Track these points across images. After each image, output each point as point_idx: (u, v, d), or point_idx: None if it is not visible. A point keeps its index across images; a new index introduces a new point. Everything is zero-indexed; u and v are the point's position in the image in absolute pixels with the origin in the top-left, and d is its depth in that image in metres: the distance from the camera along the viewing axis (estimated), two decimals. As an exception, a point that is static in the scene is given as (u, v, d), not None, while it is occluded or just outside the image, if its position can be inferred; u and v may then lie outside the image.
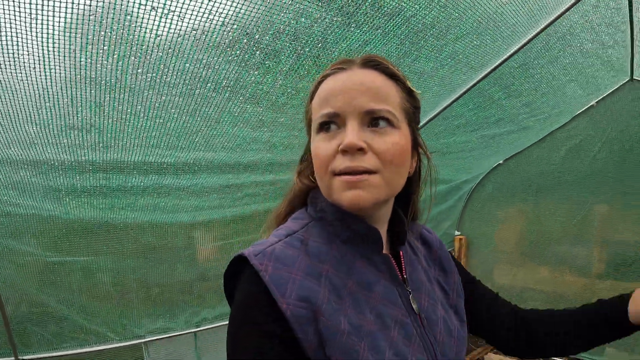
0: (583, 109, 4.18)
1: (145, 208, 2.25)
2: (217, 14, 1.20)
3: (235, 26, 1.25)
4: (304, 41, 1.41)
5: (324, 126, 0.82)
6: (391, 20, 1.54)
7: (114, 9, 1.05)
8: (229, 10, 1.21)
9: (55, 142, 1.55)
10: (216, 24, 1.23)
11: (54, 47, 1.12)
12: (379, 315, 0.83)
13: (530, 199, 4.74)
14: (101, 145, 1.63)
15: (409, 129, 0.88)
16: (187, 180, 2.10)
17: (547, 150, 4.54)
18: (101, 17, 1.06)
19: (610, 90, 4.05)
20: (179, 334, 3.05)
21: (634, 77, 3.89)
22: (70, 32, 1.08)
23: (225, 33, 1.27)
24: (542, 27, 2.34)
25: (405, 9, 1.52)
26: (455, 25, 1.81)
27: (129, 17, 1.11)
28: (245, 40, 1.30)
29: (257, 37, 1.30)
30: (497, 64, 2.47)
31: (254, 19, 1.25)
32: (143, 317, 2.85)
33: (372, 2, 1.40)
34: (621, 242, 4.29)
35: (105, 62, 1.19)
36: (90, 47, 1.13)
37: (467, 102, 2.73)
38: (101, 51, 1.15)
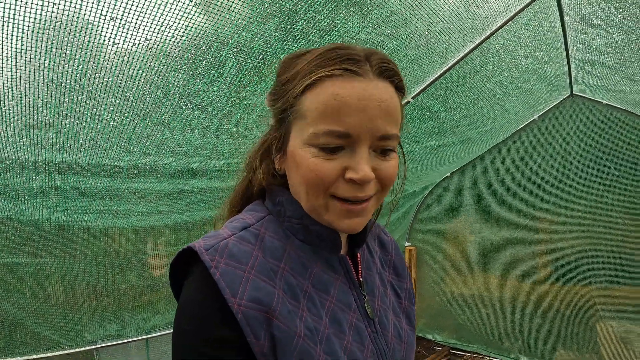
0: (526, 123, 4.46)
1: (97, 211, 2.34)
2: (168, 26, 1.38)
3: (184, 38, 1.43)
4: (245, 53, 1.60)
5: (329, 145, 0.75)
6: (326, 36, 1.75)
7: (78, 17, 1.22)
8: (179, 23, 1.40)
9: (15, 141, 1.67)
10: (167, 35, 1.41)
11: (21, 49, 1.27)
12: (335, 319, 0.82)
13: (477, 210, 4.95)
14: (58, 145, 1.76)
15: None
16: (138, 184, 2.22)
17: (492, 162, 4.77)
18: (66, 24, 1.22)
19: (552, 105, 4.33)
20: (131, 341, 3.07)
21: (574, 92, 4.17)
22: (37, 37, 1.24)
23: (174, 44, 1.45)
24: (474, 45, 2.53)
25: (339, 26, 1.73)
26: (388, 42, 2.02)
27: (90, 26, 1.28)
28: (192, 51, 1.48)
29: (203, 48, 1.49)
30: (432, 78, 2.65)
31: (201, 32, 1.43)
32: (94, 323, 2.87)
33: (307, 19, 1.60)
34: (564, 249, 4.52)
35: (67, 65, 1.35)
36: (54, 50, 1.29)
37: (406, 114, 2.91)
38: (64, 55, 1.31)
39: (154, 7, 1.29)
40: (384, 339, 0.89)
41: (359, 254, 0.95)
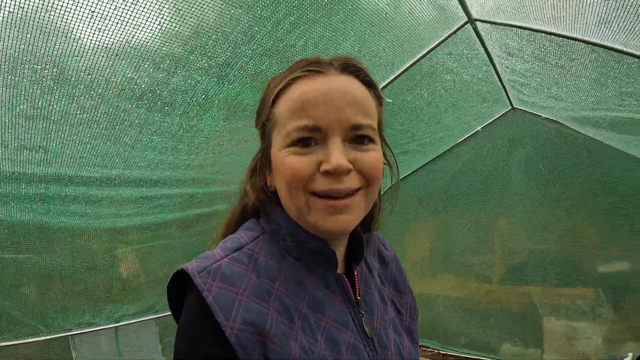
0: (470, 134, 4.63)
1: (75, 214, 2.68)
2: (131, 78, 1.89)
3: (143, 85, 1.93)
4: (191, 94, 2.09)
5: (301, 141, 0.77)
6: (255, 78, 2.21)
7: (64, 73, 1.71)
8: (140, 75, 1.90)
9: (11, 158, 2.10)
10: (130, 85, 1.91)
11: (21, 94, 1.75)
12: (331, 340, 0.80)
13: (430, 214, 5.15)
14: (45, 161, 2.17)
15: (380, 140, 0.87)
16: (109, 191, 2.60)
17: (440, 169, 4.94)
18: (56, 78, 1.72)
19: (495, 117, 4.48)
20: (102, 329, 3.30)
21: (515, 107, 4.33)
22: (35, 85, 1.73)
23: (136, 90, 1.94)
24: (393, 76, 2.84)
25: (265, 71, 2.21)
26: None
27: (72, 79, 1.77)
28: (149, 94, 1.98)
29: (158, 92, 1.99)
30: None
31: (156, 80, 1.94)
32: (70, 312, 3.13)
33: (238, 67, 2.09)
34: (514, 251, 4.71)
35: (56, 105, 1.84)
36: (46, 95, 1.78)
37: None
38: (54, 99, 1.80)
39: (120, 66, 1.79)
40: (383, 358, 0.88)
41: (356, 272, 0.94)
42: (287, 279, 0.81)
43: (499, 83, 3.56)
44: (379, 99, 0.87)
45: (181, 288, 0.78)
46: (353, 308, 0.87)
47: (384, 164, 0.91)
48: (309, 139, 0.76)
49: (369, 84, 0.84)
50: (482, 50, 2.91)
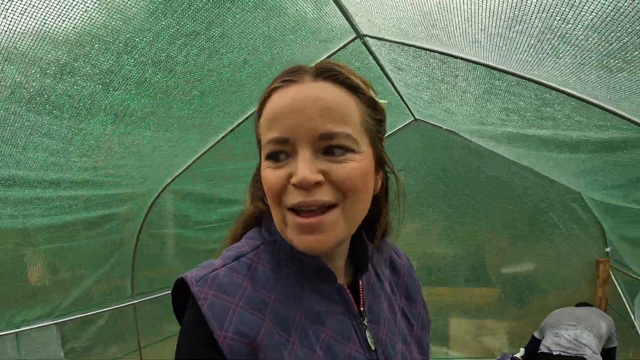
0: None
1: None
2: (19, 82, 2.11)
3: (31, 89, 2.14)
4: (78, 99, 2.28)
5: (273, 155, 0.76)
6: (140, 85, 2.42)
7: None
8: (28, 79, 2.12)
9: None
10: (19, 88, 2.13)
11: None
12: (330, 352, 0.79)
13: None
14: None
15: (372, 148, 0.81)
16: (4, 191, 2.75)
17: None
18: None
19: (398, 128, 4.83)
20: (2, 334, 3.31)
21: (417, 118, 4.65)
22: None
23: (25, 93, 2.16)
24: None
25: (148, 79, 2.44)
26: (197, 87, 2.68)
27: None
28: (38, 98, 2.19)
29: (46, 96, 2.20)
30: (236, 123, 3.18)
31: (44, 85, 2.16)
32: None
33: (122, 75, 2.31)
34: (422, 254, 5.04)
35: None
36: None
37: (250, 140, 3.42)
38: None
39: (9, 70, 2.02)
40: None
41: (360, 282, 0.92)
42: (285, 289, 0.80)
43: (397, 95, 3.74)
44: (369, 102, 0.82)
45: (185, 297, 0.78)
46: (355, 319, 0.85)
47: (388, 172, 0.92)
48: (280, 152, 0.75)
49: (351, 87, 0.78)
50: (374, 62, 3.00)
